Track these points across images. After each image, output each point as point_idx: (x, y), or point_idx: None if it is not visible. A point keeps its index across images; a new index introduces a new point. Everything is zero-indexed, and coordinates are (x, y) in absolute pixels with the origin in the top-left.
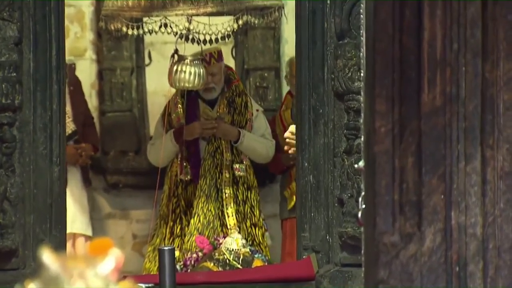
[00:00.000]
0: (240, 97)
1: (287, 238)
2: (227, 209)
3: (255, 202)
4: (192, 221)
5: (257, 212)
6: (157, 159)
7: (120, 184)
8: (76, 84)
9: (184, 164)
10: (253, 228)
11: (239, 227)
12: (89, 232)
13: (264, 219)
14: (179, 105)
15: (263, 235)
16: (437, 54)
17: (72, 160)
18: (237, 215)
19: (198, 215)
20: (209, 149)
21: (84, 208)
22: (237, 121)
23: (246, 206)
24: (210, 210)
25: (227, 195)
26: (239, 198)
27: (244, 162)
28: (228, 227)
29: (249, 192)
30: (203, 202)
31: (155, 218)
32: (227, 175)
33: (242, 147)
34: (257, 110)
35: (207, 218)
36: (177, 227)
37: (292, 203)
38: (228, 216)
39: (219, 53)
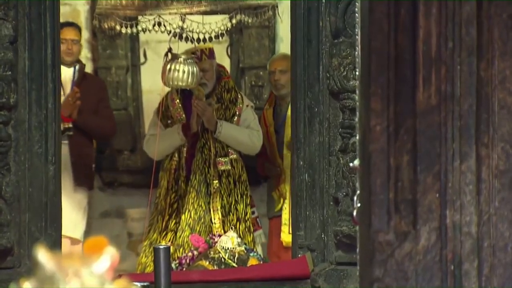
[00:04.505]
0: (229, 93)
1: (273, 236)
2: (213, 203)
3: (238, 196)
4: (183, 217)
5: (241, 207)
6: (159, 152)
7: (116, 183)
8: (91, 84)
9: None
10: (237, 223)
11: (223, 222)
12: (76, 234)
13: (258, 216)
14: (177, 101)
15: (248, 230)
16: (432, 52)
17: (68, 110)
18: (221, 210)
19: (189, 210)
20: (197, 145)
21: (73, 209)
22: (223, 116)
23: (231, 199)
24: (201, 205)
25: (214, 189)
26: (222, 192)
27: (230, 156)
28: (213, 221)
29: (234, 186)
30: (194, 198)
31: (150, 215)
32: (213, 170)
33: (221, 137)
34: (247, 105)
35: (198, 213)
36: (172, 221)
37: (280, 206)
38: (214, 211)
39: (211, 51)
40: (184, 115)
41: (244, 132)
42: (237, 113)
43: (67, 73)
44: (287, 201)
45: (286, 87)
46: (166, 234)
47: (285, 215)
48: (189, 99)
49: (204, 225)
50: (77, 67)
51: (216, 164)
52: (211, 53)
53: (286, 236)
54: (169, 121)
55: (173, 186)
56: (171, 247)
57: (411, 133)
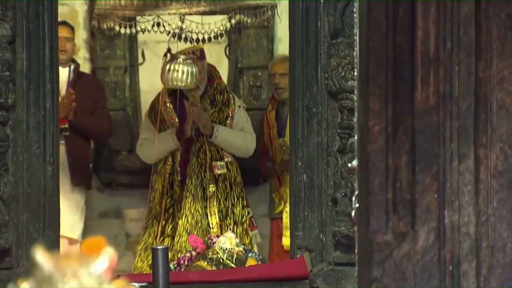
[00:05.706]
0: (221, 94)
1: (274, 237)
2: (210, 207)
3: (235, 199)
4: (180, 222)
5: (238, 210)
6: (151, 156)
7: (114, 183)
8: (87, 84)
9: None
10: (235, 226)
11: (221, 226)
12: (74, 235)
13: (253, 217)
14: (168, 104)
15: (246, 232)
16: (431, 52)
17: (63, 112)
18: (219, 214)
19: (186, 215)
20: (192, 149)
21: (71, 210)
22: (217, 118)
23: (228, 203)
24: (198, 209)
25: (210, 193)
26: (219, 196)
27: (225, 159)
28: (211, 225)
29: (230, 190)
30: (190, 202)
31: (146, 217)
32: (209, 174)
33: (217, 141)
34: (239, 106)
35: (195, 218)
36: (168, 227)
37: (280, 208)
38: (211, 215)
39: (202, 51)
40: (176, 119)
41: (238, 136)
42: (230, 114)
43: (62, 73)
44: (288, 204)
45: (287, 90)
46: (164, 239)
47: (287, 219)
48: (181, 102)
49: (201, 229)
50: (72, 67)
51: (212, 168)
52: (202, 54)
53: (287, 241)
54: (161, 124)
55: (168, 190)
56: (169, 253)
57: (409, 134)
